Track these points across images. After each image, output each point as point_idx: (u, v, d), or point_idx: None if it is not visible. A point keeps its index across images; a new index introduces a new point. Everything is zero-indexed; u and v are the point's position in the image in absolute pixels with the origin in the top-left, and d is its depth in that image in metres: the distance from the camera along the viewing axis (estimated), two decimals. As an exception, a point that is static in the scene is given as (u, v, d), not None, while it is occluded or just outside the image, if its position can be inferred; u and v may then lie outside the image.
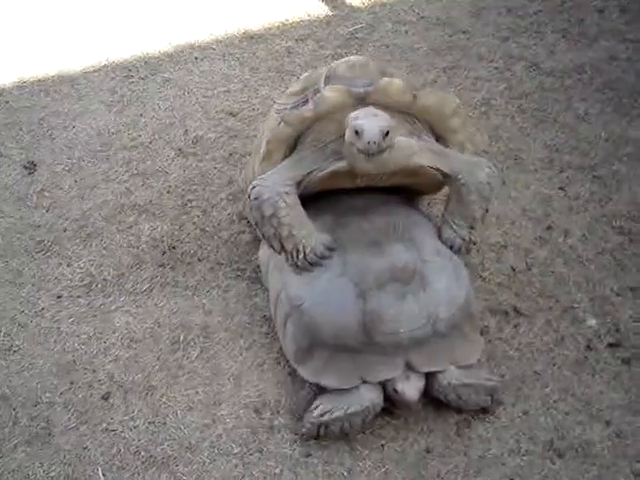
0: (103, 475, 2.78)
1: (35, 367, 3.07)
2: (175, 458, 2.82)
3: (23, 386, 3.01)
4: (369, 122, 2.62)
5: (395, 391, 2.77)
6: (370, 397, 2.78)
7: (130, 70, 4.35)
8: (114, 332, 3.19)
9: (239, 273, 3.38)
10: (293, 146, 2.99)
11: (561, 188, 3.66)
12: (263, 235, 2.90)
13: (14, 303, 3.29)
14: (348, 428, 2.79)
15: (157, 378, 3.04)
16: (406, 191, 3.15)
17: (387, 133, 2.62)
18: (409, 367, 2.79)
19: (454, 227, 2.96)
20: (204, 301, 3.28)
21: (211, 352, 3.11)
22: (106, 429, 2.90)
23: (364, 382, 2.79)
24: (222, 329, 3.18)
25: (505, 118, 3.98)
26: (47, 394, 2.99)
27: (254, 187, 2.86)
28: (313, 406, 2.83)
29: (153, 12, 4.73)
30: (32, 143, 3.96)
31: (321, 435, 2.81)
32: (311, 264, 2.88)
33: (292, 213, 2.83)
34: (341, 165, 2.80)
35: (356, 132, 2.63)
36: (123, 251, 3.46)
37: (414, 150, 2.80)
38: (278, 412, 2.93)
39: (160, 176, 3.77)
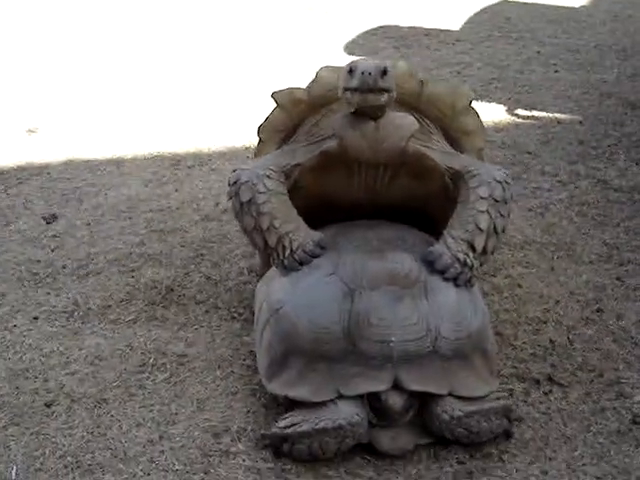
0: (16, 474, 2.31)
1: (-16, 371, 2.70)
2: (103, 466, 2.34)
3: (-35, 384, 2.64)
4: (365, 61, 2.35)
5: (377, 398, 2.26)
6: (347, 414, 2.27)
7: (179, 160, 4.24)
8: (80, 350, 2.82)
9: (235, 315, 3.00)
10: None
11: (618, 278, 3.19)
12: (244, 231, 2.56)
13: (-14, 319, 2.98)
14: (317, 449, 2.26)
15: (111, 393, 2.62)
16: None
17: (385, 71, 2.32)
18: (397, 384, 2.28)
19: (449, 240, 2.47)
20: (189, 335, 2.89)
21: (180, 377, 2.69)
22: (37, 432, 2.47)
23: (341, 397, 2.29)
24: (200, 359, 2.77)
25: (562, 219, 3.60)
26: (-13, 395, 2.59)
27: (234, 171, 2.57)
28: (281, 417, 2.33)
29: (213, 113, 4.68)
30: (60, 203, 3.81)
31: (285, 453, 2.29)
32: (300, 263, 2.49)
33: (274, 200, 2.49)
34: (331, 145, 2.49)
35: (350, 70, 2.35)
36: (117, 288, 3.15)
37: (412, 129, 2.47)
38: (239, 439, 2.43)
39: (178, 234, 3.51)
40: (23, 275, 3.25)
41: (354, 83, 2.32)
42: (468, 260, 2.44)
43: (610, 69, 5.29)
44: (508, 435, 2.37)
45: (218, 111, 4.68)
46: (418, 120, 2.58)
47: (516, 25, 6.29)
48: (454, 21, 6.36)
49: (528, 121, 4.58)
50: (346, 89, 2.36)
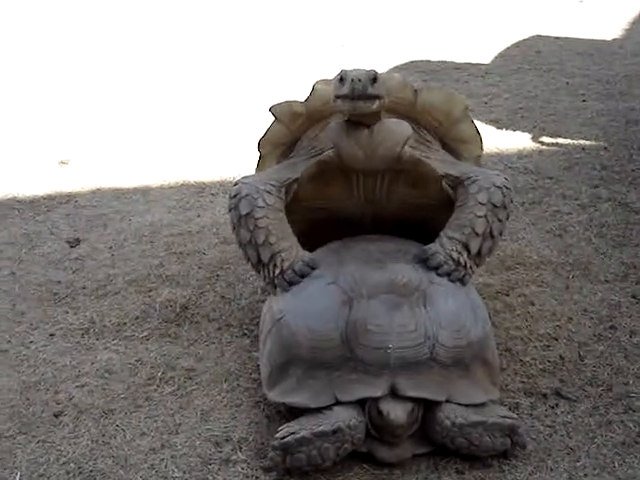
0: (20, 480, 2.35)
1: (-4, 383, 2.77)
2: (105, 473, 2.38)
3: (-23, 395, 2.70)
4: (354, 69, 2.39)
5: (379, 412, 2.26)
6: (345, 418, 2.27)
7: (204, 188, 4.31)
8: (92, 364, 2.88)
9: (246, 332, 3.03)
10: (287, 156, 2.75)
11: (634, 296, 3.16)
12: (239, 244, 2.58)
13: (4, 335, 3.05)
14: (316, 457, 2.26)
15: (118, 405, 2.66)
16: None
17: (375, 79, 2.36)
18: (393, 391, 2.29)
19: (444, 240, 2.50)
20: (199, 350, 2.93)
21: (187, 390, 2.73)
22: (44, 441, 2.52)
23: (338, 403, 2.30)
24: (208, 373, 2.81)
25: (580, 241, 3.57)
26: (-2, 405, 2.66)
27: (235, 185, 2.60)
28: (279, 429, 2.34)
29: (240, 142, 4.73)
30: (85, 228, 3.89)
31: (287, 466, 2.28)
32: (289, 283, 2.51)
33: (272, 216, 2.51)
34: (327, 154, 2.52)
35: (341, 79, 2.39)
36: (134, 307, 3.20)
37: (407, 134, 2.49)
38: (240, 448, 2.46)
39: (196, 256, 3.57)
40: (43, 295, 3.32)
41: (344, 90, 2.36)
42: (462, 259, 2.47)
43: (639, 98, 5.26)
44: (507, 455, 2.35)
45: (245, 141, 4.73)
46: (415, 129, 2.60)
47: (546, 58, 6.30)
48: (485, 55, 6.40)
49: (552, 148, 4.58)
50: (337, 97, 2.40)
